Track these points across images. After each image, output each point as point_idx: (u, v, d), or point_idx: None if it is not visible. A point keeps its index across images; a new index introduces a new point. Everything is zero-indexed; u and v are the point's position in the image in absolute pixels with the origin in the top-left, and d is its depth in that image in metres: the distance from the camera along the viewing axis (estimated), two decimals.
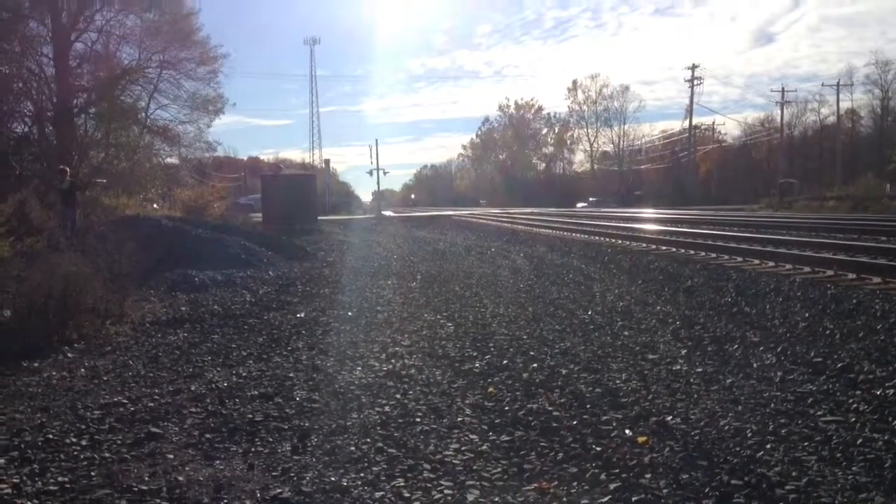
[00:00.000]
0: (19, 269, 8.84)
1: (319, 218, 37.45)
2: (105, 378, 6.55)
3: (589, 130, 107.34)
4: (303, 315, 9.80)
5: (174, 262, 13.83)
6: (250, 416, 5.23)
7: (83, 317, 8.56)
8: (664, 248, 16.11)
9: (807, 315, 7.88)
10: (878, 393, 5.16)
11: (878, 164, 59.36)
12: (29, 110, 28.09)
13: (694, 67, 77.54)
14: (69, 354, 7.61)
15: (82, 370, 6.90)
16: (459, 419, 5.00)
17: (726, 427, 4.61)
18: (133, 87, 32.11)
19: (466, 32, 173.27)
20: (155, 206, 27.95)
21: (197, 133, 35.06)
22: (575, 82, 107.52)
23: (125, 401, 5.70)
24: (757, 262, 12.31)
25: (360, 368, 6.61)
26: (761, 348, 6.71)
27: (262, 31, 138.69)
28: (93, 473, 4.20)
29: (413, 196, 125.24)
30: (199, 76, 33.64)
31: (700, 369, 6.07)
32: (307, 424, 5.00)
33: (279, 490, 3.87)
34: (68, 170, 16.59)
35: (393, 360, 6.88)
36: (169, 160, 36.16)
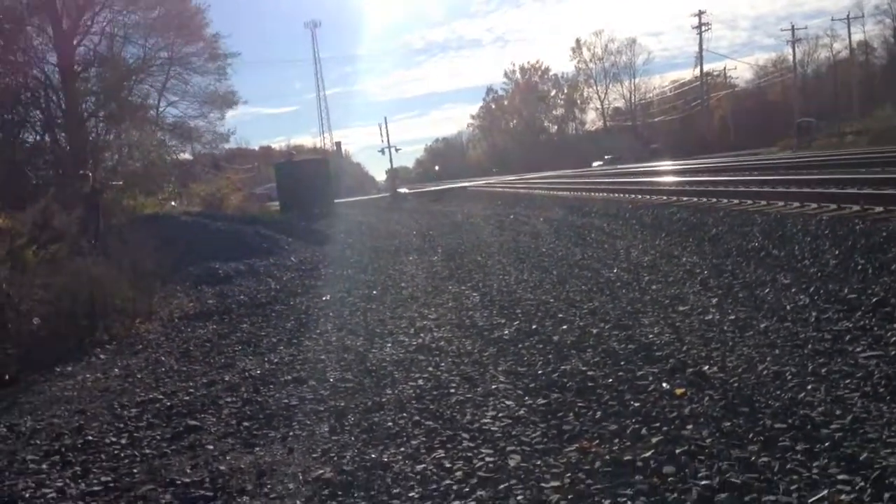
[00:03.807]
0: (45, 277, 8.92)
1: (335, 200, 37.47)
2: (139, 376, 6.60)
3: (598, 88, 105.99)
4: (328, 297, 9.82)
5: (197, 257, 13.90)
6: (286, 401, 5.24)
7: (112, 317, 8.64)
8: (685, 198, 15.88)
9: (837, 252, 7.73)
10: None
11: (894, 95, 58.21)
12: (39, 119, 28.17)
13: (700, 14, 76.18)
14: (102, 356, 7.68)
15: (116, 370, 6.96)
16: (494, 387, 4.98)
17: (765, 372, 4.55)
18: (141, 86, 32.14)
19: (463, 1, 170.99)
20: (173, 203, 28.01)
21: (208, 126, 35.08)
22: (579, 41, 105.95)
23: (161, 396, 5.75)
24: (781, 204, 12.08)
25: (390, 345, 6.61)
26: (793, 290, 6.61)
27: (262, 18, 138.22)
28: (135, 470, 4.23)
29: (437, 168, 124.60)
30: (207, 71, 33.59)
31: (732, 317, 5.98)
32: (343, 404, 5.00)
33: (321, 471, 3.88)
34: (90, 174, 16.67)
35: (422, 334, 6.86)
36: (183, 156, 36.24)
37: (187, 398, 5.62)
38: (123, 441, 4.79)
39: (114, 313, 8.76)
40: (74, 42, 29.15)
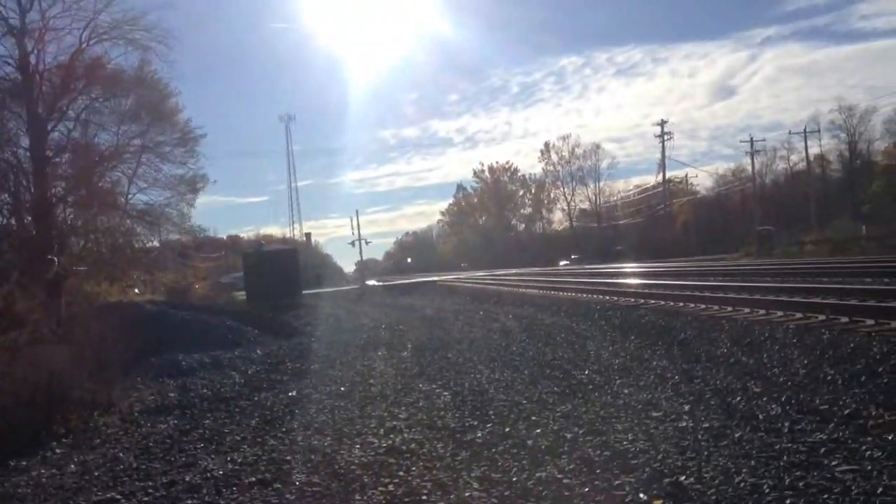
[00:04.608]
0: (4, 365, 8.65)
1: (303, 292, 37.25)
2: (96, 473, 6.33)
3: (565, 189, 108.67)
4: (294, 393, 9.62)
5: (160, 347, 13.62)
6: None
7: (70, 410, 8.35)
8: (652, 301, 16.08)
9: (806, 362, 7.81)
10: (891, 438, 5.07)
11: (850, 206, 60.36)
12: (6, 202, 27.93)
13: (663, 123, 79.18)
14: (58, 450, 7.38)
15: (72, 466, 6.68)
16: (467, 494, 4.84)
17: (742, 484, 4.49)
18: (112, 172, 32.18)
19: (435, 102, 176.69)
20: (136, 290, 27.66)
21: (179, 215, 35.04)
22: (547, 144, 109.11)
23: (118, 496, 5.50)
24: (747, 310, 12.28)
25: (358, 446, 6.44)
26: (765, 398, 6.61)
27: (236, 110, 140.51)
28: None
29: (409, 260, 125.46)
30: (177, 158, 33.78)
31: (706, 424, 5.95)
32: None
33: None
34: (56, 260, 16.47)
35: (392, 435, 6.71)
36: (150, 244, 36.00)
37: (146, 499, 5.38)
38: None
39: (72, 405, 8.47)
40: (48, 127, 29.26)
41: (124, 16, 29.74)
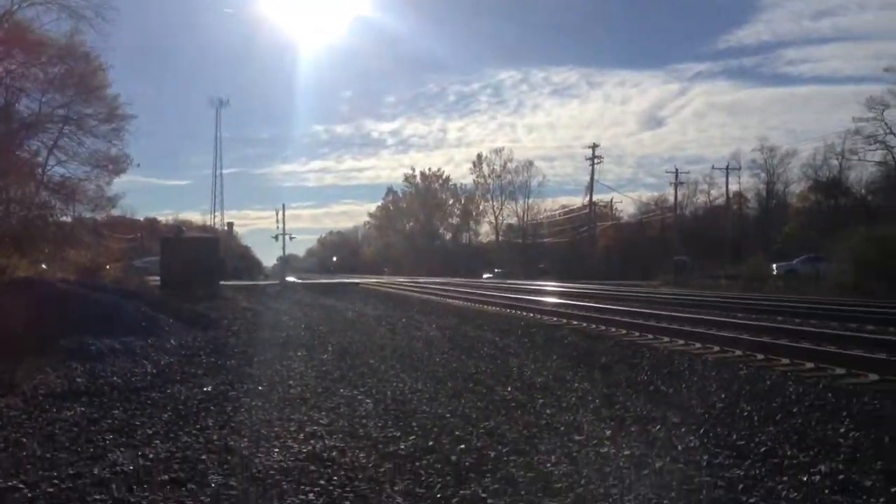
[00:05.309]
0: None
1: (221, 283, 36.33)
2: None
3: (494, 203, 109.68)
4: (210, 389, 9.32)
5: (69, 329, 12.99)
6: None
7: None
8: (575, 322, 16.34)
9: (723, 396, 8.02)
10: (805, 479, 5.23)
11: (764, 244, 62.87)
12: None
13: (594, 147, 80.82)
14: None
15: None
16: None
17: None
18: (31, 141, 30.80)
19: (371, 102, 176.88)
20: (43, 266, 26.39)
21: (96, 190, 33.74)
22: (480, 156, 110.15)
23: (21, 485, 5.18)
24: (667, 339, 12.60)
25: (277, 450, 6.26)
26: (683, 429, 6.75)
27: (168, 89, 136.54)
28: None
29: (335, 259, 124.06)
30: (102, 133, 32.56)
31: (628, 452, 6.02)
32: None
33: None
34: None
35: (312, 441, 6.56)
36: (64, 218, 34.51)
37: (51, 490, 5.08)
38: None
39: None
40: None
41: None
